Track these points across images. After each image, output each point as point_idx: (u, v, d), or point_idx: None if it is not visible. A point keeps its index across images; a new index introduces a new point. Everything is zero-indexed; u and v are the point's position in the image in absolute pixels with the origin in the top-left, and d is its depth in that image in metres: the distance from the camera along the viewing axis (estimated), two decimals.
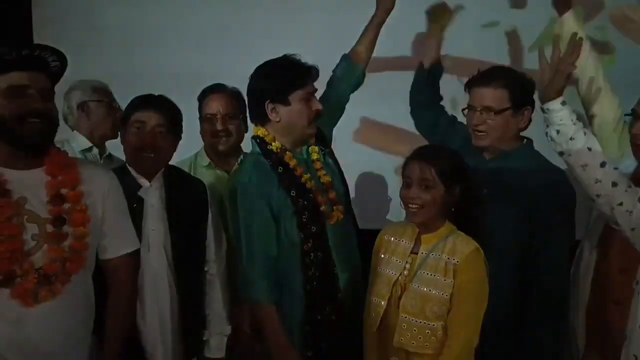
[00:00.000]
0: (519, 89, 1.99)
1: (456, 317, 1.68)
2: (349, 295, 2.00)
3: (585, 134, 1.71)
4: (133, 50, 3.27)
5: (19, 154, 1.52)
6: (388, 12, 2.23)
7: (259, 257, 1.92)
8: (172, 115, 1.93)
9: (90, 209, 1.59)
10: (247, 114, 2.15)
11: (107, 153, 2.44)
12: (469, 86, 2.06)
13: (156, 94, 1.98)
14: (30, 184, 1.53)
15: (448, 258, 1.72)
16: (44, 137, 1.53)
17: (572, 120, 1.71)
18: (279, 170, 1.94)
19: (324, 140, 2.13)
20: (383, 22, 2.25)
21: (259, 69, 1.99)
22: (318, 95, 2.04)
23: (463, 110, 2.08)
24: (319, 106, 1.98)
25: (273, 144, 1.97)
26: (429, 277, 1.73)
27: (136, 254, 1.76)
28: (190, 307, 1.95)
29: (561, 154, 1.74)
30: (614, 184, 1.67)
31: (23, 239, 1.49)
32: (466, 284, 1.69)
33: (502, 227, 1.91)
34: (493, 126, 1.99)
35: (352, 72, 2.24)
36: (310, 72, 1.98)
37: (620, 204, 1.67)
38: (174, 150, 1.98)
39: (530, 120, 2.04)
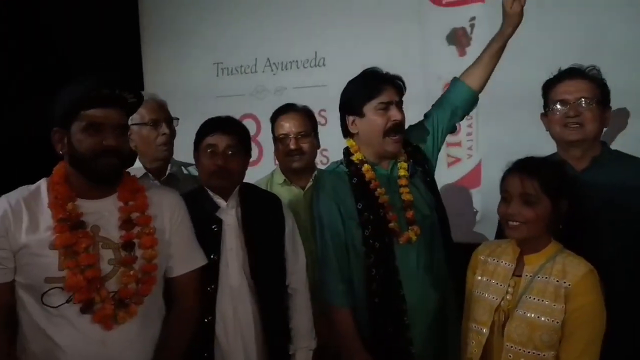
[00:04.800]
0: (604, 87, 1.91)
1: (572, 347, 1.52)
2: (420, 321, 1.91)
3: None
4: None
5: (93, 185, 1.59)
6: (515, 28, 2.02)
7: (332, 261, 1.94)
8: (240, 136, 1.93)
9: (158, 231, 1.64)
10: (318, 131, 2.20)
11: (167, 174, 2.27)
12: (553, 84, 1.94)
13: (223, 116, 1.98)
14: (104, 212, 1.60)
15: (557, 281, 1.56)
16: (117, 171, 1.60)
17: None
18: (354, 181, 1.96)
19: (421, 160, 2.04)
20: (508, 39, 2.04)
21: (347, 84, 2.02)
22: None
23: (548, 108, 1.94)
24: (398, 116, 1.93)
25: (355, 154, 2.00)
26: (536, 302, 1.57)
27: (201, 271, 1.76)
28: (273, 323, 1.92)
29: None
30: None
31: (100, 268, 1.55)
32: (582, 310, 1.52)
33: (626, 241, 1.76)
34: (590, 117, 1.86)
35: (469, 99, 2.10)
36: (384, 83, 1.94)
37: None
38: (246, 168, 1.97)
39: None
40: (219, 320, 1.85)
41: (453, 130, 2.18)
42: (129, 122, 2.15)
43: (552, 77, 1.96)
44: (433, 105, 2.14)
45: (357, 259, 1.93)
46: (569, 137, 1.89)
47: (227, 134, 1.89)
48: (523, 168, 1.62)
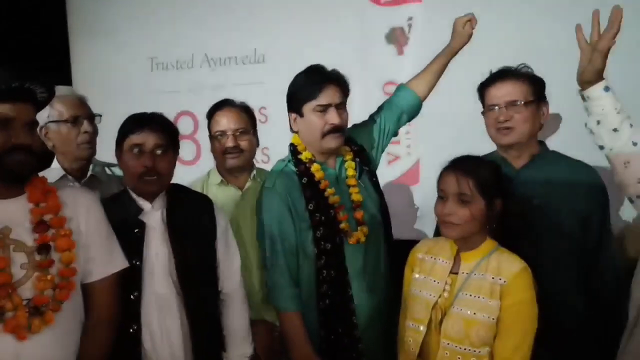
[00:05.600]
0: (537, 83, 1.93)
1: (506, 342, 1.54)
2: (366, 320, 1.92)
3: (631, 125, 1.53)
4: None
5: (0, 184, 1.49)
6: (462, 46, 2.09)
7: (281, 264, 1.90)
8: (169, 133, 1.81)
9: (74, 234, 1.55)
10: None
11: (88, 176, 2.14)
12: (485, 87, 1.96)
13: (149, 112, 1.86)
14: (13, 213, 1.50)
15: (493, 278, 1.59)
16: (28, 168, 1.50)
17: (615, 108, 1.53)
18: (303, 181, 1.92)
19: (365, 159, 2.03)
20: (454, 55, 2.11)
21: (292, 79, 1.98)
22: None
23: (483, 113, 1.98)
24: (335, 120, 1.90)
25: (303, 153, 1.96)
26: (473, 299, 1.59)
27: (120, 276, 1.66)
28: (204, 331, 1.82)
29: (601, 147, 1.58)
30: None
31: (11, 273, 1.44)
32: (516, 307, 1.55)
33: (559, 237, 1.81)
34: (521, 120, 1.88)
35: (415, 105, 2.15)
36: (325, 83, 1.90)
37: None
38: (174, 167, 1.87)
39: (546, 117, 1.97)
40: (145, 330, 1.74)
41: (395, 134, 2.19)
42: (47, 120, 2.06)
43: (483, 80, 1.98)
44: (380, 107, 2.15)
45: (306, 261, 1.91)
46: (501, 141, 1.93)
47: (155, 132, 1.76)
48: (459, 167, 1.63)
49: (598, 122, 1.55)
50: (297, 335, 1.89)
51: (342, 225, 1.90)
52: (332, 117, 1.89)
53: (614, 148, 1.54)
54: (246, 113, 2.24)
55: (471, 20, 2.05)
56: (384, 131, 2.11)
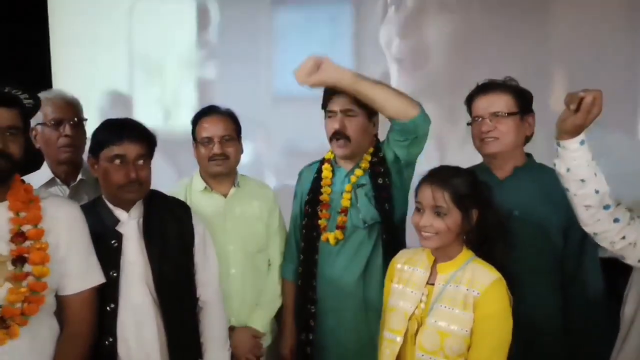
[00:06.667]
0: (522, 95, 1.95)
1: (478, 355, 1.54)
2: (328, 315, 2.06)
3: (596, 175, 1.56)
4: None
5: None
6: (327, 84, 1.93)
7: (292, 241, 2.23)
8: (148, 142, 1.82)
9: (51, 247, 1.53)
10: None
11: (77, 180, 2.14)
12: (472, 99, 1.99)
13: (123, 120, 1.86)
14: None
15: (467, 290, 1.59)
16: (1, 175, 1.49)
17: (587, 161, 1.56)
18: (314, 176, 2.16)
19: (379, 173, 2.03)
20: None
21: None
22: None
23: (469, 124, 2.00)
24: (335, 125, 2.02)
25: (329, 152, 2.16)
26: (447, 310, 1.59)
27: (94, 291, 1.65)
28: (181, 338, 1.82)
29: (567, 190, 1.61)
30: (616, 220, 1.57)
31: None
32: (488, 319, 1.55)
33: (540, 247, 1.85)
34: (504, 131, 1.90)
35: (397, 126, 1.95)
36: (332, 91, 1.99)
37: (623, 237, 1.57)
38: (151, 173, 1.86)
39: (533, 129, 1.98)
40: (121, 341, 1.73)
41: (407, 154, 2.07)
42: (36, 122, 2.09)
43: (470, 92, 2.00)
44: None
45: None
46: (486, 150, 1.95)
47: (135, 142, 1.76)
48: (434, 179, 1.63)
49: (568, 170, 1.58)
50: (286, 302, 2.21)
51: (320, 221, 2.08)
52: (333, 124, 2.02)
53: (578, 194, 1.58)
54: (232, 120, 2.23)
55: None
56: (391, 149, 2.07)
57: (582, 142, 1.55)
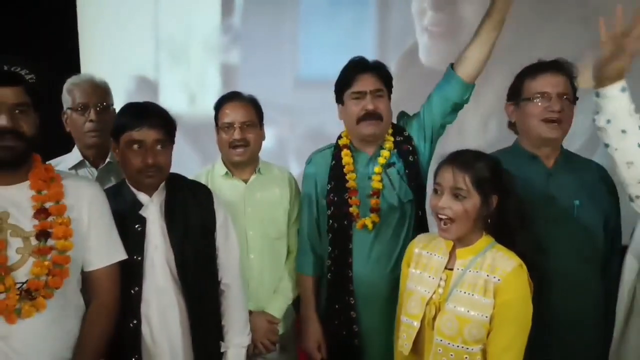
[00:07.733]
0: (573, 85, 1.85)
1: (498, 342, 1.52)
2: (366, 304, 2.01)
3: (639, 127, 1.49)
4: None
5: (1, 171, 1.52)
6: (504, 12, 1.88)
7: (304, 234, 2.14)
8: (167, 126, 1.81)
9: (74, 222, 1.58)
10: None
11: (106, 162, 2.19)
12: (531, 75, 1.83)
13: (143, 104, 1.85)
14: (14, 199, 1.53)
15: (488, 275, 1.56)
16: (16, 154, 1.50)
17: (628, 111, 1.49)
18: (332, 163, 2.08)
19: (407, 151, 2.03)
20: (499, 23, 1.89)
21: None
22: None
23: (525, 99, 1.83)
24: (369, 106, 1.98)
25: (343, 138, 2.11)
26: (467, 296, 1.57)
27: (120, 266, 1.69)
28: (203, 321, 1.84)
29: (607, 145, 1.54)
30: None
31: (6, 255, 1.48)
32: (509, 305, 1.52)
33: (597, 237, 1.81)
34: (568, 116, 1.81)
35: (459, 93, 1.99)
36: (360, 72, 1.99)
37: None
38: (171, 157, 1.86)
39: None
40: (145, 323, 1.76)
41: (445, 124, 2.09)
42: (66, 107, 2.15)
43: (530, 65, 1.85)
44: (429, 95, 2.07)
45: (322, 235, 2.09)
46: (548, 135, 1.80)
47: (154, 128, 1.76)
48: (456, 161, 1.60)
49: (608, 121, 1.51)
50: (305, 297, 2.13)
51: (351, 209, 2.00)
52: (367, 103, 1.98)
53: (620, 148, 1.51)
54: (254, 106, 2.22)
55: None
56: (431, 122, 2.05)
57: (623, 89, 1.49)
